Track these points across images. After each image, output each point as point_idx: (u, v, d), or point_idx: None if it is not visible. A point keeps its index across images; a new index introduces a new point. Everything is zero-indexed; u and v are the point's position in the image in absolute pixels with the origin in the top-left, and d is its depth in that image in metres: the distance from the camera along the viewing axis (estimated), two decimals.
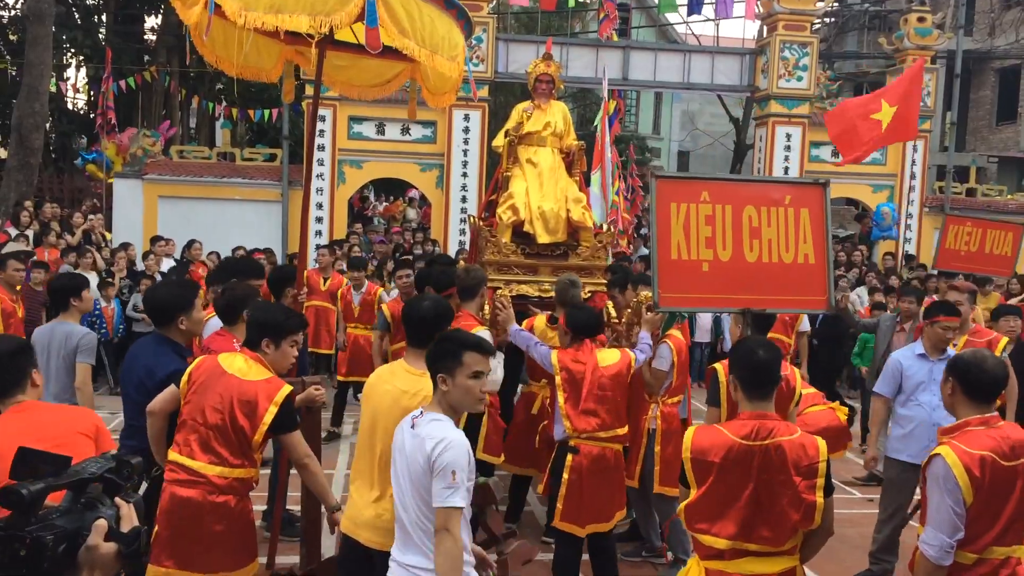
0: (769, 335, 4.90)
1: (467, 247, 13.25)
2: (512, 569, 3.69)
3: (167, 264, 11.62)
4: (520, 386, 6.38)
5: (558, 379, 4.76)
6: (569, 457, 4.69)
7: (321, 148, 15.03)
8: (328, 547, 4.77)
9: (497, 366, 5.36)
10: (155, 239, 12.29)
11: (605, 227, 7.87)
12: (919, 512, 3.48)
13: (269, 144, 18.30)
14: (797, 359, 8.58)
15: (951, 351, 5.61)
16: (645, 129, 31.82)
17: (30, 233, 11.82)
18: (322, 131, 14.99)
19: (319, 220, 15.19)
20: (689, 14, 17.11)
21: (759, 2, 16.34)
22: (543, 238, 6.06)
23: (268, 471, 5.90)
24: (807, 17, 15.94)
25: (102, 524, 1.57)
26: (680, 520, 3.29)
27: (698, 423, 3.53)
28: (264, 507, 6.00)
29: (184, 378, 3.82)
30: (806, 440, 3.15)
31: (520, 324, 5.54)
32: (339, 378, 9.25)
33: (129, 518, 1.62)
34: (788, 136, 15.97)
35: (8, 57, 20.63)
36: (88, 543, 1.54)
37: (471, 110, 15.14)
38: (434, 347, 3.11)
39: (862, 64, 25.94)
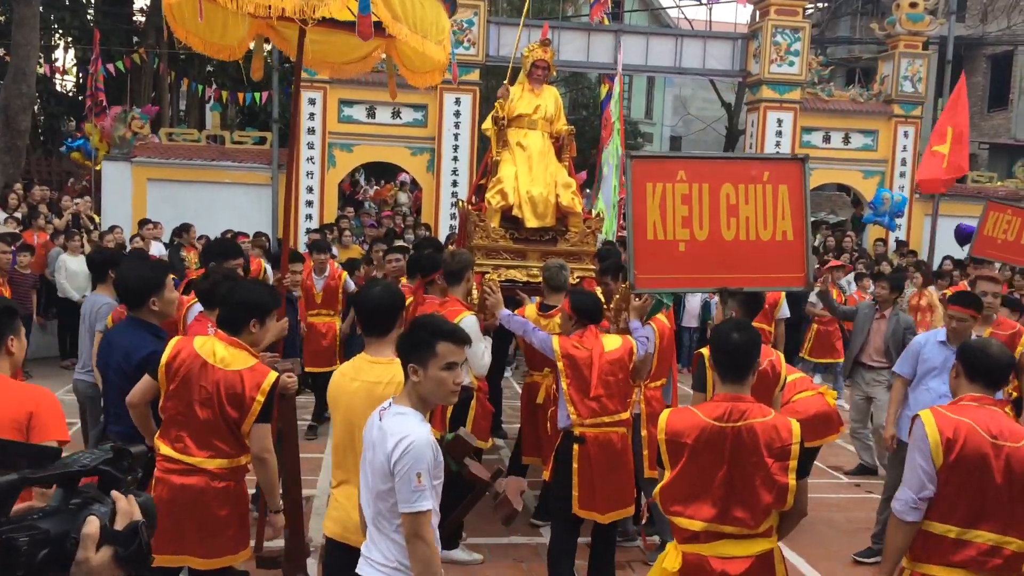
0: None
1: (455, 232, 13.24)
2: (514, 504, 3.68)
3: (156, 247, 11.58)
4: (506, 373, 6.39)
5: (560, 365, 4.72)
6: (575, 447, 4.67)
7: (311, 131, 14.96)
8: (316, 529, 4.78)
9: (485, 351, 5.37)
10: (143, 222, 12.23)
11: (599, 213, 7.87)
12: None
13: (259, 127, 18.19)
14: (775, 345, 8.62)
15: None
16: (637, 114, 31.74)
17: (19, 215, 11.76)
18: (312, 114, 14.91)
19: (309, 204, 15.14)
20: None
21: None
22: (532, 223, 6.05)
23: None
24: (800, 2, 15.93)
25: (92, 529, 1.31)
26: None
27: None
28: (254, 490, 6.00)
29: (161, 369, 3.74)
30: (779, 422, 3.19)
31: (509, 310, 5.53)
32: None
33: (127, 513, 1.36)
34: (779, 121, 15.97)
35: None
36: (77, 558, 1.29)
37: (462, 94, 15.08)
38: (406, 335, 2.95)
39: (854, 50, 25.92)
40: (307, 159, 14.98)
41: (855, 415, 7.99)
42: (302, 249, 11.14)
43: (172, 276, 4.73)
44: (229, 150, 15.35)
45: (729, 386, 3.26)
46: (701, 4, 17.21)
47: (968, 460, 3.21)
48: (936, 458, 3.24)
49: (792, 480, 3.12)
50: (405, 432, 2.78)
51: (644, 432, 5.44)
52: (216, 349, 3.75)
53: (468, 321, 5.33)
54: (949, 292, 9.98)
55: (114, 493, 1.38)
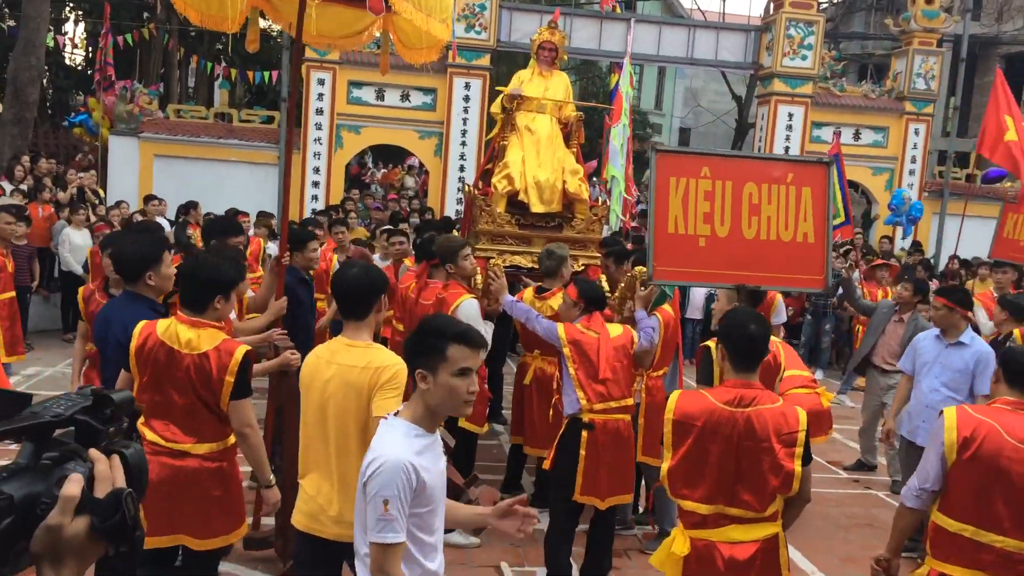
0: None
1: (461, 216, 13.20)
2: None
3: (162, 224, 11.55)
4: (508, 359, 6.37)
5: (567, 351, 4.70)
6: (584, 434, 4.65)
7: (319, 112, 14.90)
8: None
9: (486, 335, 5.35)
10: (148, 198, 12.20)
11: (605, 200, 7.82)
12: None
13: (267, 106, 18.15)
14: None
15: (971, 337, 5.68)
16: (647, 105, 31.64)
17: (24, 188, 11.74)
18: (321, 95, 14.86)
19: (315, 185, 15.09)
20: None
21: None
22: (537, 208, 6.02)
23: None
24: None
25: (73, 490, 1.08)
26: (665, 489, 3.32)
27: None
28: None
29: (132, 357, 3.66)
30: (787, 409, 3.29)
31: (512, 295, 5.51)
32: None
33: (106, 478, 1.12)
34: (790, 115, 15.88)
35: (6, 10, 20.38)
36: (48, 521, 1.06)
37: (472, 78, 15.02)
38: (413, 338, 2.67)
39: (867, 46, 25.76)
40: (315, 140, 14.93)
41: (866, 417, 7.87)
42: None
43: (169, 252, 4.71)
44: (237, 128, 15.30)
45: (741, 373, 3.33)
46: None
47: (985, 460, 3.19)
48: (949, 455, 3.23)
49: (798, 466, 3.21)
50: (379, 451, 2.49)
51: (641, 420, 5.42)
52: (180, 333, 3.63)
53: (468, 304, 5.32)
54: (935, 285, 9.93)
55: (92, 452, 1.14)
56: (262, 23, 5.63)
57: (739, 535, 3.24)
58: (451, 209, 14.87)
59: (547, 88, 6.28)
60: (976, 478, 3.20)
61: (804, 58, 15.75)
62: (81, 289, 5.42)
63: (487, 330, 5.38)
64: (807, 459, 3.24)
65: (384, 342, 7.46)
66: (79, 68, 23.80)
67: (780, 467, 3.18)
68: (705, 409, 3.25)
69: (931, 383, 5.71)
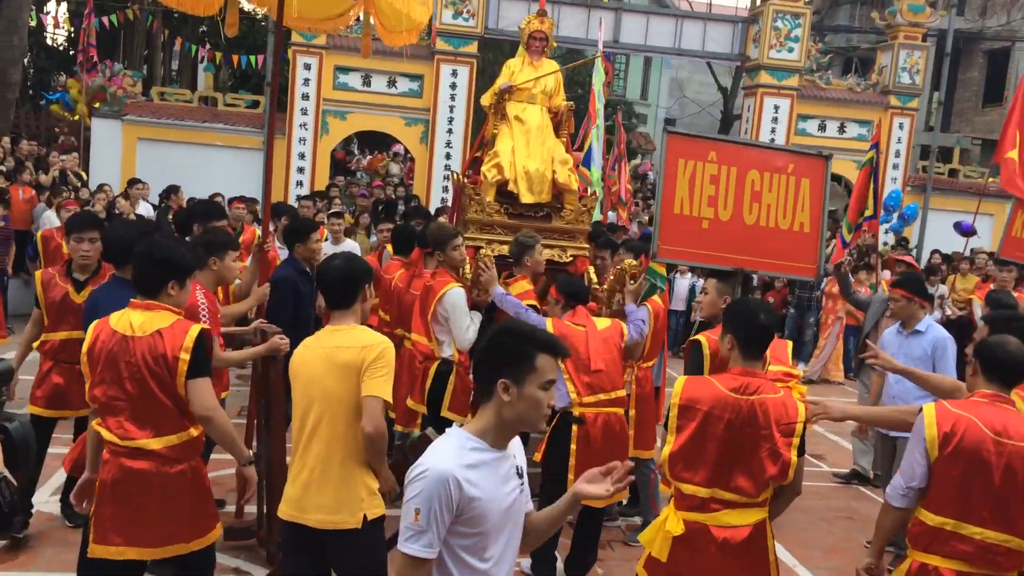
0: None
1: (449, 204, 13.17)
2: None
3: (143, 208, 11.46)
4: None
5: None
6: (574, 428, 4.66)
7: (305, 97, 14.81)
8: None
9: (470, 326, 5.34)
10: (132, 181, 12.09)
11: (594, 191, 7.82)
12: None
13: (252, 90, 18.00)
14: None
15: (927, 324, 5.75)
16: (633, 94, 31.64)
17: (3, 169, 11.60)
18: (307, 80, 14.76)
19: (300, 171, 15.01)
20: None
21: None
22: (526, 198, 6.00)
23: (243, 421, 5.88)
24: None
25: None
26: (648, 483, 3.36)
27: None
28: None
29: (83, 358, 3.48)
30: (788, 400, 3.38)
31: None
32: None
33: None
34: (776, 107, 15.93)
35: None
36: None
37: (459, 65, 14.96)
38: (495, 343, 2.40)
39: (853, 39, 25.85)
40: (300, 125, 14.84)
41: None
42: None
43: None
44: (221, 112, 15.19)
45: (748, 362, 3.41)
46: None
47: (966, 455, 3.22)
48: (931, 451, 3.26)
49: (794, 456, 3.31)
50: (426, 458, 2.29)
51: (632, 412, 5.44)
52: (132, 319, 3.45)
53: (455, 292, 5.32)
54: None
55: None
56: (247, 6, 5.56)
57: (733, 519, 3.33)
58: (436, 197, 14.84)
59: (538, 78, 6.26)
60: (957, 472, 3.23)
61: (791, 50, 15.80)
62: (38, 274, 5.15)
63: (474, 321, 5.39)
64: (802, 451, 3.33)
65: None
66: (61, 48, 23.51)
67: (778, 455, 3.29)
68: (712, 395, 3.34)
69: (892, 376, 5.72)
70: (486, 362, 2.40)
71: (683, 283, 12.29)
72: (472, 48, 15.04)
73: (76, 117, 15.03)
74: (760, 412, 3.30)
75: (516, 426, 2.37)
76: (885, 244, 15.35)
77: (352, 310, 3.46)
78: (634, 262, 5.42)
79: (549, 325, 4.76)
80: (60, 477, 5.40)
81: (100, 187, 11.69)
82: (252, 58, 17.37)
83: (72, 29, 21.65)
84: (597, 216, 8.34)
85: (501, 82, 6.28)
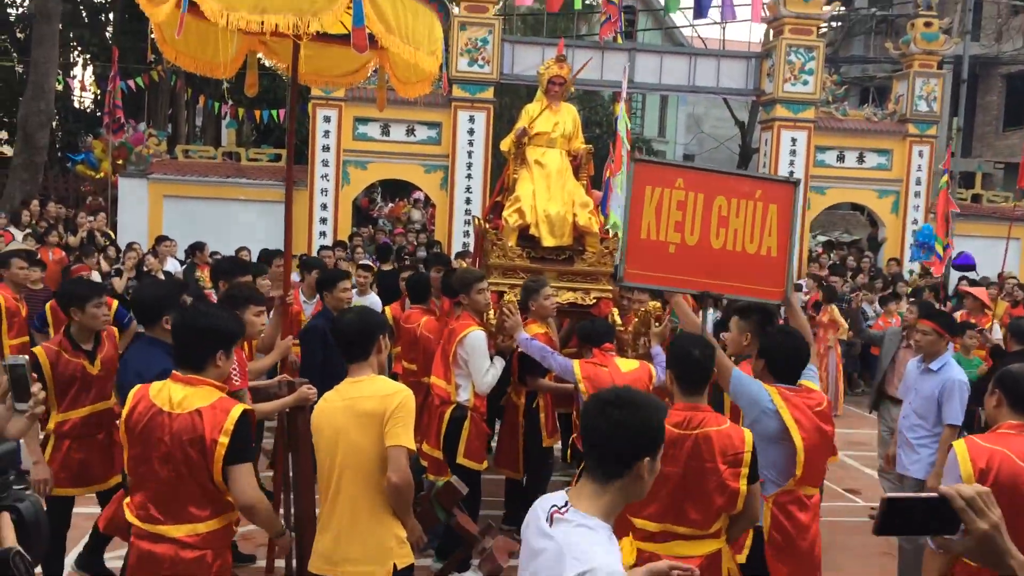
0: None
1: (470, 249, 13.24)
2: (500, 561, 3.67)
3: (171, 264, 11.62)
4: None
5: (582, 387, 4.78)
6: None
7: (326, 149, 15.05)
8: None
9: (489, 370, 5.35)
10: (160, 239, 12.28)
11: (616, 233, 7.85)
12: None
13: (274, 144, 18.30)
14: None
15: (945, 360, 5.51)
16: (651, 132, 31.79)
17: (33, 231, 11.83)
18: (327, 132, 15.01)
19: (323, 221, 15.20)
20: (695, 17, 17.09)
21: (765, 5, 16.32)
22: (548, 241, 6.05)
23: (270, 473, 5.87)
24: (813, 21, 15.90)
25: None
26: None
27: None
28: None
29: (121, 425, 3.33)
30: (733, 431, 3.43)
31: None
32: None
33: None
34: (794, 140, 15.94)
35: (15, 55, 20.66)
36: None
37: (476, 111, 15.14)
38: (643, 421, 2.17)
39: (868, 69, 25.89)
40: (321, 176, 15.07)
41: (881, 451, 7.20)
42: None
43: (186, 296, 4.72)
44: (244, 167, 15.45)
45: (688, 397, 3.47)
46: (715, 23, 17.19)
47: (1006, 489, 3.14)
48: None
49: (743, 485, 3.36)
50: (591, 561, 1.99)
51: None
52: (172, 393, 3.24)
53: (476, 336, 5.34)
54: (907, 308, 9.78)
55: None
56: (266, 62, 5.69)
57: (684, 550, 3.36)
58: (458, 241, 14.94)
59: (556, 122, 6.33)
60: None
61: (805, 83, 15.84)
62: (40, 351, 4.76)
63: (495, 366, 5.40)
64: (753, 478, 3.37)
65: (394, 378, 7.49)
66: (88, 111, 24.06)
67: (725, 486, 3.35)
68: None
69: (905, 408, 5.64)
70: (627, 439, 2.15)
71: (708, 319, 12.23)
72: (488, 94, 15.24)
73: (101, 175, 15.35)
74: (704, 445, 3.36)
75: (629, 502, 2.23)
76: (911, 272, 15.23)
77: (369, 362, 3.49)
78: (657, 304, 5.43)
79: (576, 368, 4.78)
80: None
81: (130, 245, 11.87)
82: (274, 112, 17.70)
83: (98, 91, 22.18)
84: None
85: (520, 127, 6.36)
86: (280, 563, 5.14)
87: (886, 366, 7.22)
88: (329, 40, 5.00)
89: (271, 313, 5.44)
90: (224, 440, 3.13)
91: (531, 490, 6.10)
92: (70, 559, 5.37)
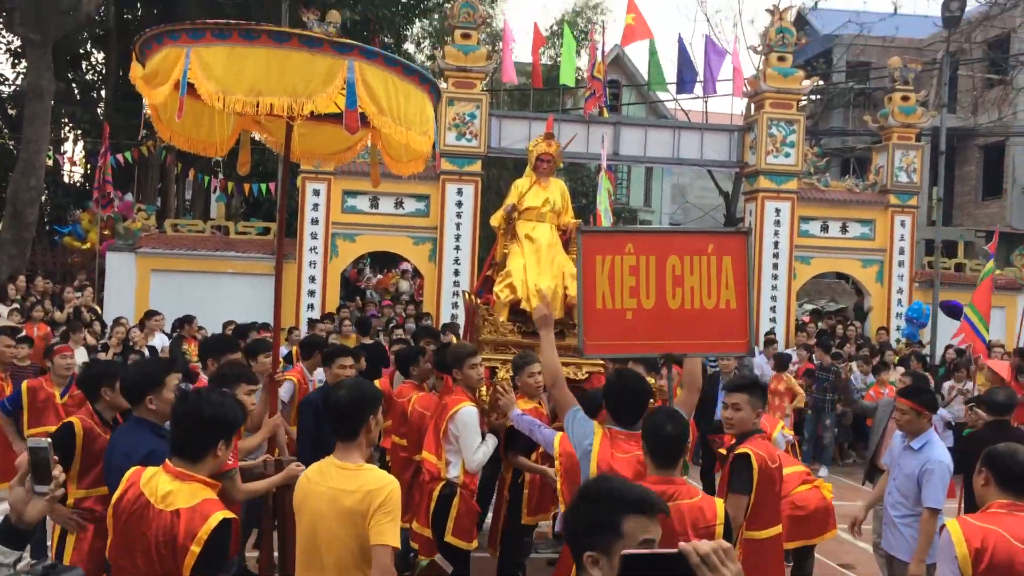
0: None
1: (458, 321, 13.24)
2: None
3: (159, 339, 11.55)
4: None
5: (556, 463, 4.72)
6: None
7: (315, 222, 15.14)
8: None
9: (480, 447, 5.28)
10: (149, 313, 12.23)
11: None
12: None
13: (264, 217, 18.39)
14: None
15: (927, 439, 5.34)
16: (636, 202, 32.17)
17: (19, 307, 11.77)
18: (316, 205, 15.13)
19: (311, 294, 15.20)
20: (678, 92, 17.48)
21: (746, 80, 16.72)
22: None
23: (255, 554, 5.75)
24: (793, 96, 16.29)
25: None
26: None
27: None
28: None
29: (109, 510, 3.20)
30: (704, 503, 3.50)
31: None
32: None
33: None
34: (777, 211, 16.16)
35: (6, 131, 20.83)
36: None
37: (464, 184, 15.31)
38: (577, 510, 2.20)
39: (848, 140, 26.43)
40: (310, 249, 15.13)
41: (876, 526, 7.10)
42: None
43: (177, 375, 4.66)
44: (233, 240, 15.51)
45: (661, 470, 3.54)
46: (698, 97, 17.57)
47: (1002, 570, 3.16)
48: (965, 569, 3.19)
49: None
50: None
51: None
52: (160, 484, 3.09)
53: (467, 411, 5.29)
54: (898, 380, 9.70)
55: None
56: (258, 137, 5.77)
57: None
58: (446, 313, 14.94)
59: (546, 197, 6.41)
60: None
61: (787, 155, 16.14)
62: (76, 420, 4.70)
63: (487, 443, 5.34)
64: None
65: (383, 452, 7.39)
66: (78, 185, 24.18)
67: None
68: None
69: (890, 484, 5.50)
70: (572, 531, 2.18)
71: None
72: (476, 167, 15.44)
73: (87, 246, 15.35)
74: (676, 519, 3.38)
75: None
76: (899, 340, 15.31)
77: (357, 443, 3.39)
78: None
79: (556, 441, 4.77)
80: None
81: (117, 320, 11.82)
82: (264, 186, 17.83)
83: (88, 166, 22.33)
84: None
85: (509, 202, 6.43)
86: None
87: (879, 438, 7.12)
88: (322, 119, 5.08)
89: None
90: (195, 549, 2.95)
91: (501, 567, 5.98)
92: None
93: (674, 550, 1.72)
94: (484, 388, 5.53)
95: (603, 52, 17.09)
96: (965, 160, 26.68)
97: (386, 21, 20.52)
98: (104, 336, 11.59)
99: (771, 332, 15.22)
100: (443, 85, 14.88)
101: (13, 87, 22.91)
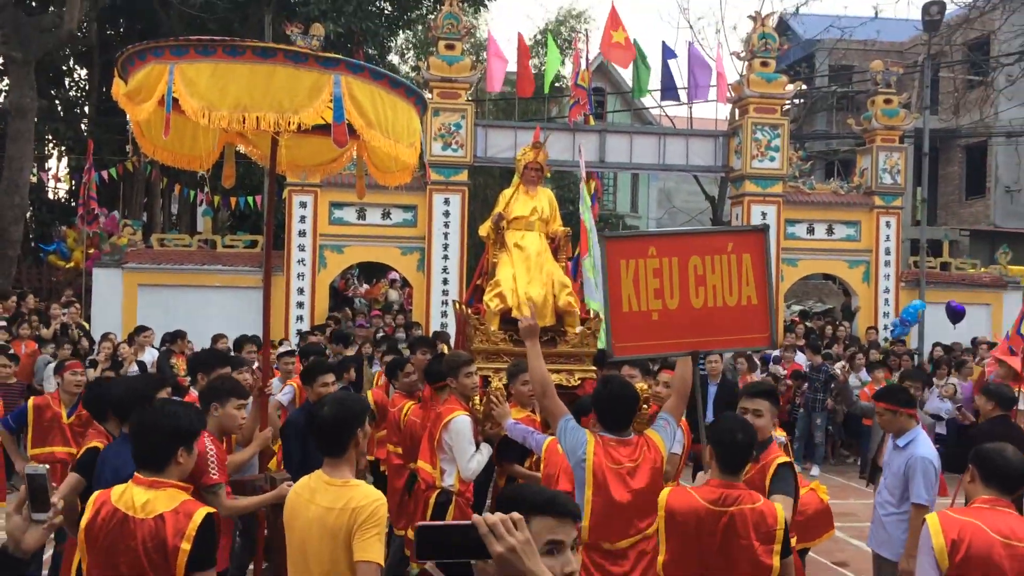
0: None
1: (448, 330, 13.23)
2: None
3: (149, 354, 11.50)
4: None
5: (543, 467, 4.71)
6: None
7: (302, 234, 15.12)
8: None
9: (475, 456, 5.28)
10: (139, 329, 12.16)
11: (597, 313, 7.89)
12: None
13: (251, 230, 18.34)
14: None
15: (912, 436, 5.38)
16: (623, 208, 32.25)
17: (5, 324, 11.69)
18: (303, 217, 15.10)
19: (300, 305, 15.16)
20: (663, 99, 17.55)
21: (730, 86, 16.80)
22: None
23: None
24: (777, 100, 16.38)
25: None
26: None
27: None
28: None
29: (81, 534, 3.23)
30: (766, 508, 3.62)
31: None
32: None
33: None
34: (764, 214, 16.23)
35: None
36: None
37: (451, 193, 15.33)
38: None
39: (832, 143, 26.60)
40: (298, 261, 15.11)
41: None
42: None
43: (166, 390, 4.63)
44: (220, 254, 15.46)
45: (726, 475, 3.65)
46: (682, 104, 17.63)
47: (978, 561, 3.23)
48: (941, 561, 3.28)
49: (776, 562, 3.55)
50: None
51: None
52: (135, 496, 3.19)
53: (460, 421, 5.30)
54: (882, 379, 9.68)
55: None
56: (242, 149, 5.77)
57: None
58: (436, 322, 14.93)
59: (534, 206, 6.43)
60: None
61: (772, 159, 16.23)
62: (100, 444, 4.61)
63: (482, 453, 5.34)
64: (785, 553, 3.57)
65: (376, 463, 7.37)
66: (62, 201, 24.07)
67: (759, 563, 3.53)
68: (691, 507, 3.59)
69: (881, 483, 5.56)
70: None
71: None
72: (463, 176, 15.45)
73: (72, 264, 15.27)
74: (739, 522, 3.53)
75: None
76: (886, 340, 15.39)
77: (345, 458, 3.36)
78: (645, 386, 5.42)
79: (545, 445, 4.77)
80: None
81: (105, 336, 11.76)
82: (250, 199, 17.78)
83: (72, 183, 22.23)
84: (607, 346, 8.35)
85: (497, 212, 6.44)
86: None
87: (880, 437, 7.00)
88: (308, 132, 5.08)
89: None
90: (186, 546, 3.09)
91: None
92: None
93: (467, 521, 1.84)
94: (477, 397, 5.53)
95: (587, 60, 17.15)
96: (948, 160, 26.90)
97: (370, 33, 20.52)
98: (92, 352, 11.53)
99: None
100: (428, 96, 14.90)
101: None
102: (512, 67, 17.04)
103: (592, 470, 4.03)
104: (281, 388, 7.54)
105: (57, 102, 22.30)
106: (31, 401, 6.70)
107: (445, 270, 15.32)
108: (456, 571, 1.87)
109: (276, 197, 16.03)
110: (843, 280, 17.46)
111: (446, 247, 15.33)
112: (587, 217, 9.09)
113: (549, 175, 7.38)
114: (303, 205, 15.07)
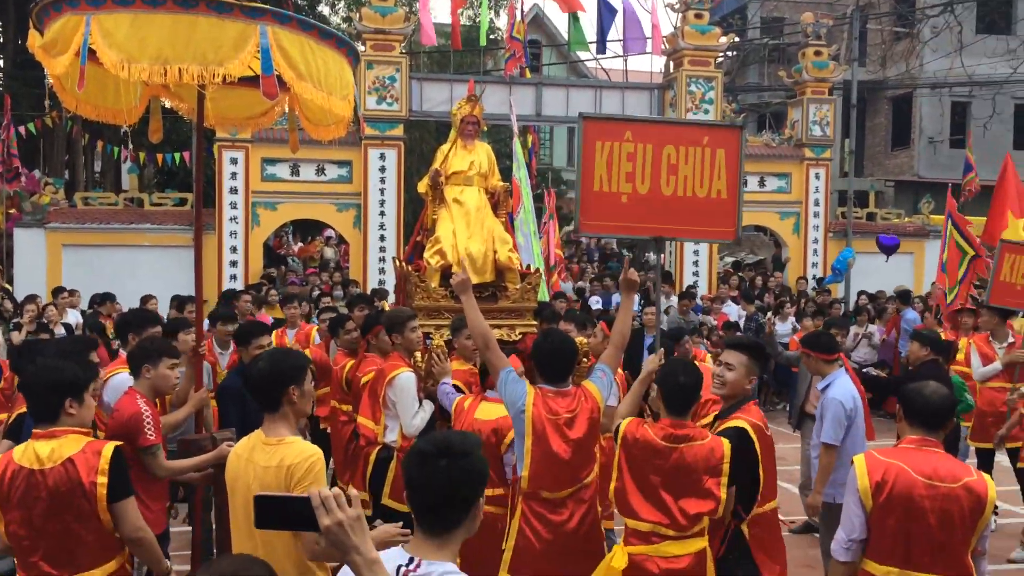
0: None
1: (386, 287, 13.13)
2: None
3: (73, 316, 11.17)
4: None
5: (453, 427, 4.78)
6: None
7: (234, 191, 14.76)
8: None
9: (418, 412, 5.28)
10: (58, 290, 11.79)
11: (537, 268, 7.88)
12: None
13: (179, 188, 17.84)
14: None
15: (829, 380, 5.57)
16: (560, 161, 32.30)
17: None
18: (235, 174, 14.73)
19: (233, 264, 14.86)
20: (598, 52, 17.48)
21: (664, 39, 16.82)
22: (471, 279, 6.04)
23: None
24: (711, 53, 16.46)
25: None
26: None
27: None
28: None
29: None
30: (714, 444, 3.84)
31: None
32: None
33: None
34: None
35: None
36: None
37: (387, 148, 15.11)
38: (456, 471, 2.27)
39: (764, 96, 26.91)
40: (230, 219, 14.76)
41: (804, 470, 7.47)
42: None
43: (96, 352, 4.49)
44: (148, 212, 15.03)
45: (673, 415, 3.86)
46: (617, 56, 17.61)
47: (899, 501, 3.31)
48: (866, 501, 3.36)
49: (723, 493, 3.80)
50: None
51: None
52: (39, 450, 3.30)
53: (404, 377, 5.29)
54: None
55: None
56: (168, 103, 5.56)
57: (674, 550, 3.76)
58: (374, 279, 14.80)
59: (472, 160, 6.37)
60: (894, 520, 3.32)
61: (707, 112, 16.35)
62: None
63: (424, 409, 5.34)
64: (730, 484, 3.83)
65: (316, 420, 7.31)
66: None
67: (709, 493, 3.77)
68: (646, 439, 3.82)
69: (813, 429, 5.80)
70: (467, 487, 2.27)
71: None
72: (398, 131, 15.23)
73: None
74: (689, 457, 3.76)
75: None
76: (814, 290, 15.78)
77: (281, 413, 3.30)
78: (584, 340, 5.47)
79: (454, 405, 4.84)
80: None
81: (29, 298, 11.35)
82: (178, 155, 17.27)
83: None
84: (544, 294, 8.37)
85: (434, 168, 6.37)
86: None
87: (806, 385, 7.21)
88: (236, 84, 4.92)
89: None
90: (103, 480, 3.25)
91: None
92: None
93: (304, 494, 1.90)
94: (419, 354, 5.51)
95: (522, 12, 16.95)
96: (875, 112, 27.45)
97: None
98: (16, 315, 11.14)
99: (693, 285, 15.52)
100: (361, 48, 14.58)
101: None
102: (447, 19, 16.76)
103: (532, 421, 4.07)
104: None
105: None
106: None
107: (382, 227, 15.16)
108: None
109: (205, 153, 15.60)
110: (774, 231, 17.80)
111: (383, 203, 15.15)
112: (521, 175, 9.05)
113: (486, 129, 7.29)
114: (234, 161, 14.69)
